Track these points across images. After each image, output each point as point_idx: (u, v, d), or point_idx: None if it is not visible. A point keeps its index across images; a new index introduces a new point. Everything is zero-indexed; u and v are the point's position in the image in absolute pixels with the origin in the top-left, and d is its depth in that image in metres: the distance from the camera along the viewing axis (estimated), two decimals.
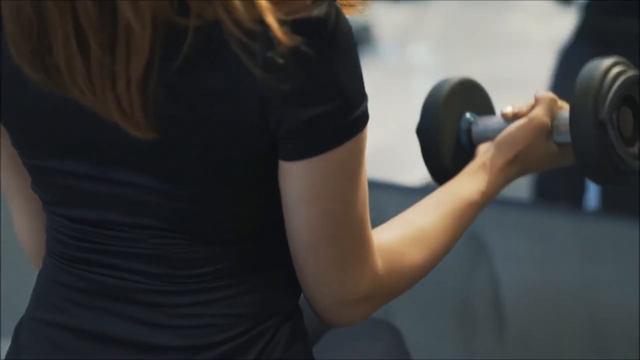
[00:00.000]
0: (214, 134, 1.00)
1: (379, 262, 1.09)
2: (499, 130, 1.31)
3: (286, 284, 1.10)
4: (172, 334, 1.06)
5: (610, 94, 1.22)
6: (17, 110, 1.06)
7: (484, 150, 1.28)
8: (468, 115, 1.36)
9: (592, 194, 2.69)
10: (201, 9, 0.96)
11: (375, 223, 1.13)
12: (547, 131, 1.27)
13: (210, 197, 1.03)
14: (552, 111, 1.29)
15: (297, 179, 1.02)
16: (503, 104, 3.31)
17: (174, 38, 0.97)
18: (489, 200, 1.25)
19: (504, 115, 1.31)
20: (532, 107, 1.30)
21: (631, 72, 1.27)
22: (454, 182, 1.24)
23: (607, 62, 1.26)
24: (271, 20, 0.95)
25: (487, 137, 1.33)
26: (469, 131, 1.36)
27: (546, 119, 1.27)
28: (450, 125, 1.35)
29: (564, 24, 2.83)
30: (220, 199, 1.04)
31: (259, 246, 1.08)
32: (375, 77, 4.60)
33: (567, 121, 1.25)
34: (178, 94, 0.99)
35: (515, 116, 1.30)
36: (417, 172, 3.64)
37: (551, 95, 1.29)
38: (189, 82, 0.98)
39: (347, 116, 1.00)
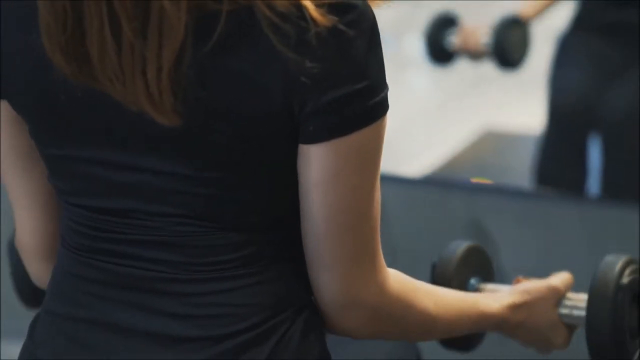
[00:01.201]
0: (240, 118, 1.01)
1: (390, 278, 1.10)
2: None
3: (305, 275, 1.10)
4: (189, 324, 1.05)
5: (627, 299, 1.29)
6: (39, 101, 1.06)
7: (496, 289, 1.32)
8: (473, 281, 1.37)
9: (594, 180, 2.69)
10: None
11: None
12: (558, 297, 1.31)
13: (234, 184, 1.04)
14: (569, 284, 1.33)
15: (315, 162, 1.02)
16: (502, 95, 3.30)
17: (205, 22, 0.98)
18: (480, 328, 1.27)
19: (515, 282, 1.34)
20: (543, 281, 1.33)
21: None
22: (461, 294, 1.26)
23: (622, 262, 1.31)
24: (307, 2, 0.97)
25: None
26: None
27: (562, 288, 1.31)
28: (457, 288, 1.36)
29: (562, 13, 2.82)
30: (244, 185, 1.04)
31: (281, 235, 1.08)
32: None
33: (581, 308, 1.31)
34: (206, 78, 1.00)
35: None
36: (414, 163, 3.64)
37: (568, 278, 1.33)
38: (218, 66, 0.99)
39: (370, 100, 1.02)
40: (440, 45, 2.82)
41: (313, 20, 0.98)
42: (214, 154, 1.02)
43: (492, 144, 3.53)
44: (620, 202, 2.37)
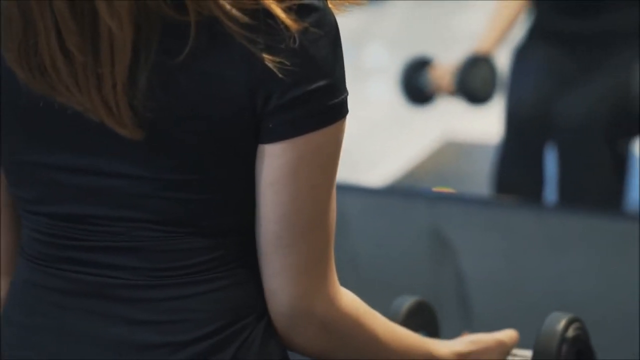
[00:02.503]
0: (206, 120, 1.01)
1: (342, 294, 1.10)
2: None
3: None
4: (152, 330, 1.05)
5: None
6: (4, 106, 1.06)
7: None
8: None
9: (551, 187, 2.72)
10: (197, 7, 0.98)
11: (338, 224, 1.13)
12: (503, 353, 1.33)
13: (198, 187, 1.04)
14: (514, 342, 1.34)
15: (272, 161, 1.03)
16: (461, 104, 3.31)
17: (172, 33, 0.99)
18: None
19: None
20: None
21: (580, 327, 1.36)
22: (414, 336, 1.26)
23: (564, 322, 1.34)
24: (276, 9, 0.99)
25: None
26: None
27: (508, 343, 1.33)
28: None
29: (518, 25, 2.86)
30: (207, 189, 1.04)
31: (242, 240, 1.08)
32: None
33: None
34: (172, 85, 1.00)
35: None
36: (375, 172, 3.66)
37: (514, 335, 1.35)
38: (185, 72, 1.00)
39: (330, 100, 1.03)
40: (416, 89, 2.86)
41: (278, 20, 0.99)
42: (179, 157, 1.03)
43: (453, 152, 3.55)
44: (577, 209, 2.40)
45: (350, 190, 2.27)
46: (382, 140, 4.09)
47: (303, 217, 1.05)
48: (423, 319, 1.41)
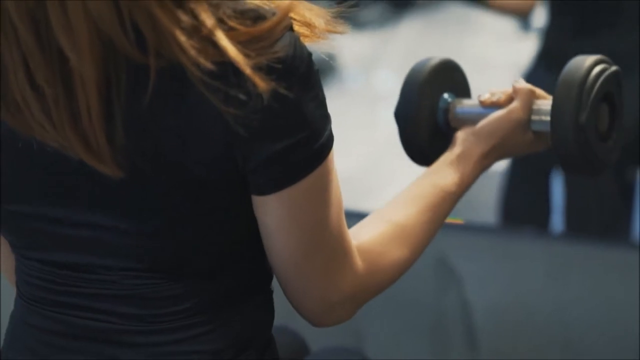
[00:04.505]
0: (185, 172, 0.99)
1: (359, 263, 1.10)
2: (477, 115, 1.32)
3: (260, 313, 1.11)
4: None
5: (591, 98, 1.24)
6: None
7: (462, 139, 1.28)
8: (446, 96, 1.36)
9: (558, 217, 2.72)
10: (158, 46, 0.95)
11: None
12: (525, 124, 1.28)
13: (182, 234, 1.03)
14: (530, 104, 1.28)
15: (272, 211, 1.02)
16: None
17: (139, 75, 0.96)
18: (466, 191, 1.26)
19: (481, 103, 1.31)
20: (510, 97, 1.30)
21: (611, 70, 1.28)
22: (432, 174, 1.24)
23: (590, 61, 1.27)
24: (245, 67, 0.95)
25: (465, 120, 1.33)
26: (446, 112, 1.36)
27: (524, 114, 1.27)
28: (428, 105, 1.35)
29: (526, 48, 2.86)
30: (193, 236, 1.03)
31: (232, 278, 1.08)
32: (339, 104, 4.62)
33: (548, 113, 1.27)
34: (145, 131, 0.98)
35: (493, 105, 1.30)
36: (380, 198, 3.65)
37: (529, 87, 1.29)
38: (156, 120, 0.97)
39: (314, 144, 1.01)
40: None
41: (245, 77, 0.95)
42: (161, 205, 1.01)
43: None
44: (584, 238, 2.39)
45: (353, 217, 2.27)
46: (390, 165, 4.09)
47: (314, 239, 1.05)
48: (451, 79, 1.36)
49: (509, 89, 1.30)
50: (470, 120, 1.32)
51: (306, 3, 1.04)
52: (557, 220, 2.72)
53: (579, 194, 2.64)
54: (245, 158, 0.99)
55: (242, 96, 0.96)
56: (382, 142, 4.32)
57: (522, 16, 2.78)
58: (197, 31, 0.95)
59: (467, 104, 1.35)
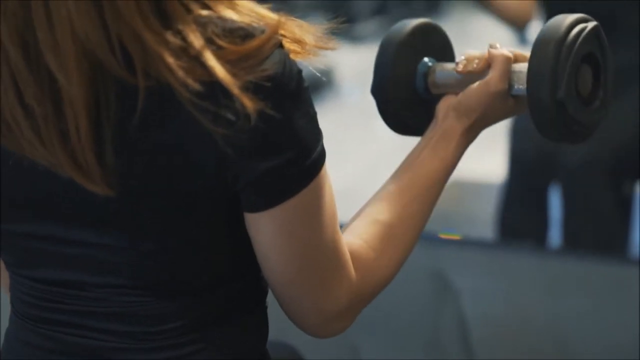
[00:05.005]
0: (175, 191, 0.99)
1: (354, 272, 1.09)
2: (456, 81, 1.25)
3: (253, 330, 1.10)
4: None
5: (567, 70, 1.16)
6: None
7: (443, 115, 1.23)
8: (426, 60, 1.29)
9: (555, 232, 2.71)
10: (146, 66, 0.95)
11: None
12: (504, 93, 1.22)
13: (173, 252, 1.02)
14: (508, 71, 1.22)
15: (264, 228, 1.02)
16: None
17: (127, 95, 0.96)
18: (452, 170, 1.22)
19: (457, 72, 1.25)
20: (487, 63, 1.23)
21: (588, 29, 1.19)
22: (416, 159, 1.21)
23: (564, 28, 1.17)
24: (233, 87, 0.94)
25: (445, 86, 1.27)
26: (425, 77, 1.29)
27: (503, 84, 1.21)
28: (406, 71, 1.28)
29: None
30: (184, 253, 1.03)
31: (225, 296, 1.07)
32: (336, 117, 4.62)
33: (526, 79, 1.19)
34: (135, 150, 0.97)
35: (470, 74, 1.24)
36: None
37: (505, 54, 1.22)
38: (146, 139, 0.97)
39: (306, 161, 1.00)
40: None
41: (234, 97, 0.95)
42: (151, 224, 1.00)
43: (458, 192, 3.55)
44: (579, 252, 2.39)
45: None
46: (386, 177, 4.08)
47: (308, 254, 1.04)
48: (431, 42, 1.28)
49: (486, 53, 1.24)
50: (450, 86, 1.26)
51: (296, 20, 1.03)
52: (555, 235, 2.72)
53: (577, 209, 2.63)
54: (236, 176, 0.99)
55: (230, 116, 0.95)
56: (378, 155, 4.32)
57: (520, 27, 2.78)
58: (185, 52, 0.94)
59: (448, 69, 1.28)
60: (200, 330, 1.06)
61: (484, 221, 2.95)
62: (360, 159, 4.12)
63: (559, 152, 2.66)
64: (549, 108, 1.16)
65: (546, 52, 1.16)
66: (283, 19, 1.00)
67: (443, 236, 2.36)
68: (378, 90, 1.28)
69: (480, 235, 2.86)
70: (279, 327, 1.19)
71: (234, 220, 1.03)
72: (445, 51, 1.31)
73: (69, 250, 1.04)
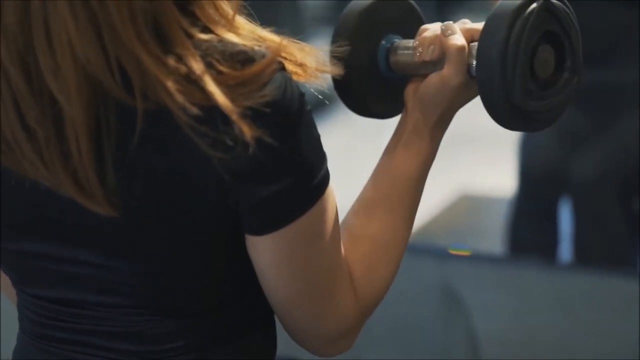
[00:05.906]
0: (174, 213, 0.99)
1: (352, 284, 1.09)
2: (416, 65, 1.18)
3: (260, 347, 1.10)
4: None
5: (518, 70, 1.09)
6: None
7: (410, 108, 1.18)
8: (391, 36, 1.21)
9: (565, 247, 2.71)
10: (145, 89, 0.95)
11: None
12: (465, 83, 1.15)
13: (175, 273, 1.02)
14: (464, 62, 1.15)
15: (266, 250, 1.01)
16: (476, 157, 3.27)
17: (127, 117, 0.96)
18: (430, 165, 1.18)
19: (414, 60, 1.18)
20: (442, 50, 1.16)
21: (536, 10, 1.10)
22: (391, 162, 1.17)
23: (507, 20, 1.09)
24: (231, 113, 0.94)
25: (407, 68, 1.20)
26: (387, 54, 1.21)
27: (459, 77, 1.15)
28: (367, 46, 1.20)
29: None
30: (186, 274, 1.02)
31: (230, 315, 1.07)
32: (344, 135, 4.62)
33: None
34: (135, 171, 0.97)
35: (426, 64, 1.17)
36: None
37: (458, 45, 1.14)
38: (145, 161, 0.97)
39: (309, 184, 0.99)
40: None
41: (232, 122, 0.94)
42: (152, 245, 1.00)
43: (468, 206, 3.54)
44: (591, 268, 2.38)
45: None
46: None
47: (313, 281, 1.04)
48: (396, 17, 1.20)
49: (439, 42, 1.16)
50: (412, 69, 1.19)
51: (299, 43, 1.02)
52: (565, 251, 2.72)
53: (587, 224, 2.63)
54: (236, 201, 0.98)
55: (229, 141, 0.94)
56: None
57: None
58: (185, 76, 0.94)
59: (408, 50, 1.19)
60: (202, 350, 1.05)
61: (493, 236, 2.95)
62: (368, 176, 4.10)
63: (569, 167, 2.66)
64: (504, 110, 1.11)
65: (492, 55, 1.10)
66: (285, 41, 0.99)
67: (453, 252, 2.36)
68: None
69: (490, 250, 2.86)
70: (287, 342, 1.19)
71: (237, 242, 1.03)
72: (414, 27, 1.22)
73: (70, 269, 1.03)
